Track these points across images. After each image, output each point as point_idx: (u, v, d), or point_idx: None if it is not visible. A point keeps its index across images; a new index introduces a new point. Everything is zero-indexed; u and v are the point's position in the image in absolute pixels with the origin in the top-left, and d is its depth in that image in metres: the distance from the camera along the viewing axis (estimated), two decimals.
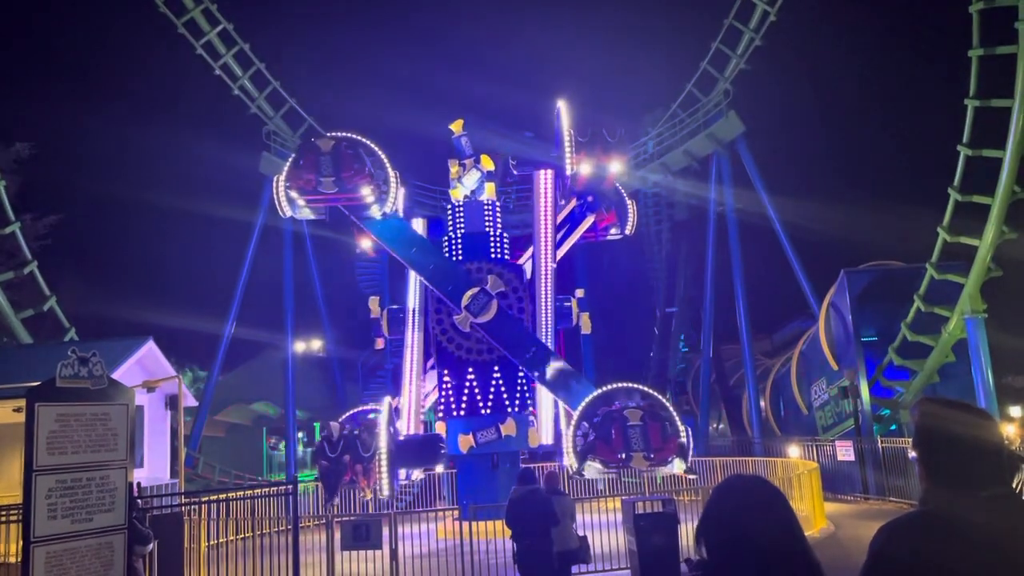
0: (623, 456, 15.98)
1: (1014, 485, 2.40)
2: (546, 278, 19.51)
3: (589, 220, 21.17)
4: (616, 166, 20.34)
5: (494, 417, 18.27)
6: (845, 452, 23.39)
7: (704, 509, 2.44)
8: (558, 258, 21.01)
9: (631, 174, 21.03)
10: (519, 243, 22.38)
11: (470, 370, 18.73)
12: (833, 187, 38.59)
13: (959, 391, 23.01)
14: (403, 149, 32.29)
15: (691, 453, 16.78)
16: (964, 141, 21.64)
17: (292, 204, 18.23)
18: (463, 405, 18.72)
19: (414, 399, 19.38)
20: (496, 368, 18.66)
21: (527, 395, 19.16)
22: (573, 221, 21.25)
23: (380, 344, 20.20)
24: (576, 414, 16.60)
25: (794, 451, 24.96)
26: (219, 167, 32.50)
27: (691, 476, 17.13)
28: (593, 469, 16.24)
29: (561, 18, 47.82)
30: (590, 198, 20.99)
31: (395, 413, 18.44)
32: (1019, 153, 19.86)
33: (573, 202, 21.21)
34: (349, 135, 18.45)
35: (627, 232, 21.72)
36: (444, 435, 18.88)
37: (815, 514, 16.98)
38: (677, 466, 16.29)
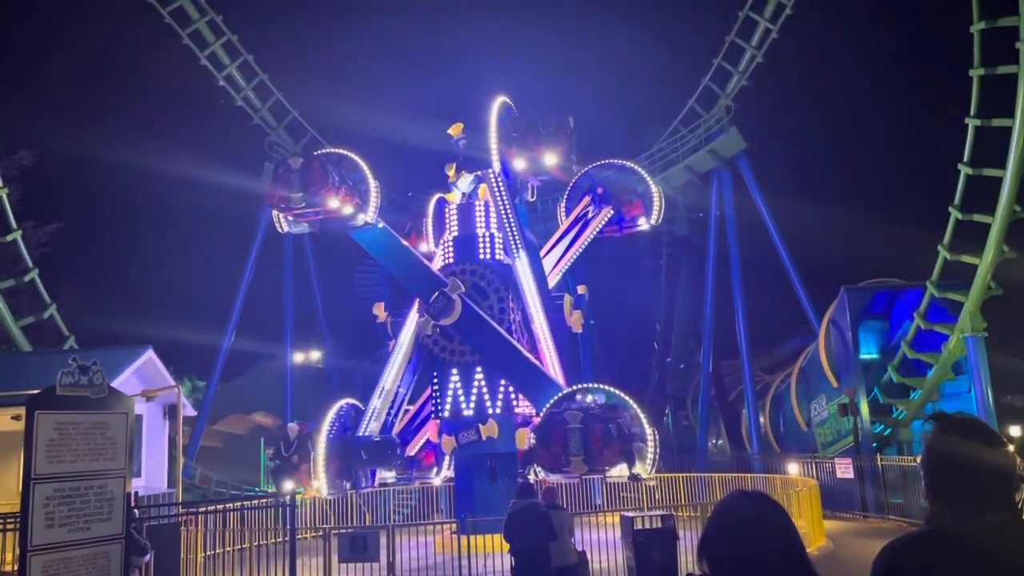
0: (562, 460, 15.53)
1: (1019, 505, 2.38)
2: (526, 274, 19.11)
3: (606, 212, 20.71)
4: (550, 158, 19.48)
5: (475, 418, 18.28)
6: (844, 469, 23.30)
7: (706, 524, 2.43)
8: (575, 255, 20.69)
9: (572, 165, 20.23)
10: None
11: (454, 371, 18.88)
12: (834, 204, 38.68)
13: (959, 410, 22.96)
14: (408, 159, 32.44)
15: (651, 459, 16.03)
16: (965, 160, 21.71)
17: (286, 219, 19.03)
18: (447, 406, 18.89)
19: (384, 400, 19.45)
20: (478, 369, 18.75)
21: (512, 396, 19.05)
22: (588, 216, 20.90)
23: (393, 346, 20.53)
24: (541, 416, 16.62)
25: (793, 468, 24.88)
26: (221, 178, 32.57)
27: (649, 483, 16.70)
28: (541, 472, 16.06)
29: (564, 31, 48.08)
30: (600, 190, 20.76)
31: (357, 414, 18.87)
32: (1019, 172, 19.91)
33: (586, 200, 21.09)
34: (330, 151, 19.34)
35: (653, 221, 21.14)
36: (438, 436, 18.90)
37: (814, 531, 16.90)
38: (620, 471, 15.75)
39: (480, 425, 17.85)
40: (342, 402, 19.02)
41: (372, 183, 18.96)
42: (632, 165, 22.14)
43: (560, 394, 16.78)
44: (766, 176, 32.47)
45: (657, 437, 16.67)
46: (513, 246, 19.34)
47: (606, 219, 21.03)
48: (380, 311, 20.52)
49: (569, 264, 21.06)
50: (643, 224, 21.43)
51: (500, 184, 19.56)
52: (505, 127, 19.52)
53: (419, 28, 48.27)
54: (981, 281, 21.28)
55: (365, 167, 19.15)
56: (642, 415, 16.47)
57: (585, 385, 17.25)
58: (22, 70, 37.52)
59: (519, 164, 19.56)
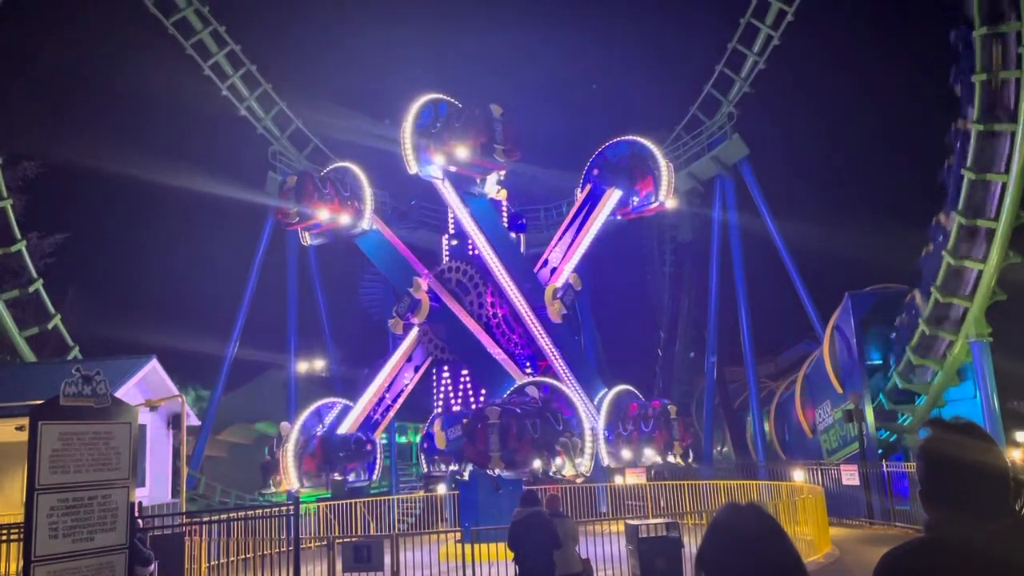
0: (485, 456, 15.34)
1: (1019, 511, 2.36)
2: (497, 268, 19.05)
3: (612, 194, 20.20)
4: (461, 151, 18.52)
5: (461, 414, 18.40)
6: (850, 476, 23.24)
7: (703, 539, 2.43)
8: (583, 242, 20.24)
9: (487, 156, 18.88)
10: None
11: (445, 368, 19.48)
12: (837, 209, 38.70)
13: (964, 415, 22.88)
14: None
15: (587, 455, 15.65)
16: (968, 165, 21.68)
17: (310, 234, 20.66)
18: (440, 403, 19.40)
19: (370, 399, 20.13)
20: (464, 366, 19.27)
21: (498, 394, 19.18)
22: (593, 200, 20.44)
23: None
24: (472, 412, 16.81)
25: (799, 475, 24.81)
26: (225, 187, 32.69)
27: (577, 480, 16.37)
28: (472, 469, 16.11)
29: (566, 40, 48.21)
30: (596, 171, 20.30)
31: (345, 412, 19.95)
32: (1023, 177, 19.87)
33: (589, 187, 20.77)
34: (337, 165, 20.78)
35: (662, 198, 20.18)
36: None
37: (820, 539, 16.84)
38: (537, 465, 15.43)
39: (465, 420, 18.08)
40: (322, 401, 20.43)
41: (367, 191, 20.02)
42: (635, 138, 21.13)
43: (512, 388, 16.86)
44: (769, 182, 32.45)
45: (594, 434, 16.26)
46: (478, 240, 19.38)
47: (613, 201, 20.34)
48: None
49: (580, 252, 20.39)
50: (655, 202, 20.48)
51: (446, 182, 19.47)
52: (427, 125, 19.08)
53: (423, 38, 48.44)
54: (985, 286, 21.23)
55: (363, 177, 20.13)
56: (580, 409, 16.20)
57: (536, 379, 17.21)
58: (24, 81, 37.69)
59: (439, 159, 18.88)
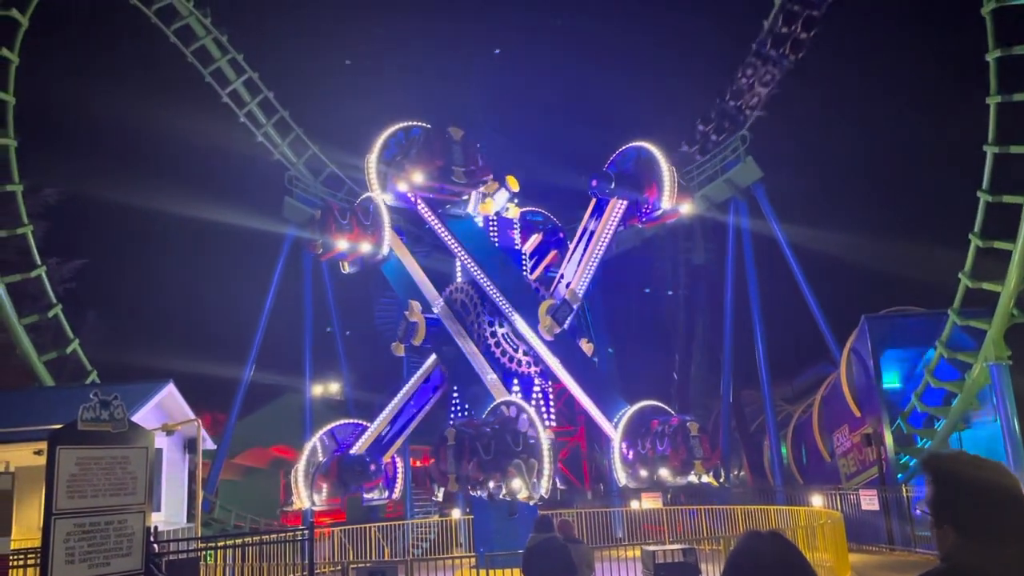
0: (445, 477, 15.45)
1: None
2: (491, 286, 19.02)
3: (616, 204, 19.67)
4: (417, 176, 18.62)
5: None
6: (869, 501, 22.93)
7: (724, 567, 2.43)
8: (593, 256, 19.73)
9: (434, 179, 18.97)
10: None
11: (455, 389, 19.97)
12: (853, 232, 38.47)
13: (985, 438, 22.62)
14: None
15: (545, 476, 15.34)
16: (984, 187, 21.60)
17: (348, 263, 21.44)
18: (450, 422, 19.51)
19: (382, 421, 20.38)
20: (467, 387, 19.52)
21: (505, 410, 19.21)
22: (599, 212, 20.06)
23: None
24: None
25: (817, 500, 24.50)
26: (242, 212, 33.02)
27: (532, 503, 16.12)
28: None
29: (574, 64, 48.57)
30: (594, 183, 19.75)
31: (350, 434, 20.38)
32: None
33: (594, 199, 20.42)
34: (364, 196, 21.47)
35: (665, 205, 19.17)
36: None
37: (839, 565, 16.60)
38: (491, 487, 15.33)
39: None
40: (338, 422, 20.82)
41: (385, 218, 20.34)
42: (640, 144, 20.22)
43: (489, 408, 16.96)
44: (783, 204, 32.34)
45: (549, 457, 15.87)
46: (463, 259, 19.49)
47: (619, 212, 19.77)
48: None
49: (592, 267, 19.80)
50: (660, 209, 19.54)
51: (421, 205, 19.71)
52: (396, 153, 19.25)
53: (437, 65, 48.89)
54: (1004, 308, 21.05)
55: (382, 204, 20.35)
56: (540, 427, 15.99)
57: (505, 399, 17.19)
58: (48, 108, 38.30)
59: (402, 186, 19.12)
